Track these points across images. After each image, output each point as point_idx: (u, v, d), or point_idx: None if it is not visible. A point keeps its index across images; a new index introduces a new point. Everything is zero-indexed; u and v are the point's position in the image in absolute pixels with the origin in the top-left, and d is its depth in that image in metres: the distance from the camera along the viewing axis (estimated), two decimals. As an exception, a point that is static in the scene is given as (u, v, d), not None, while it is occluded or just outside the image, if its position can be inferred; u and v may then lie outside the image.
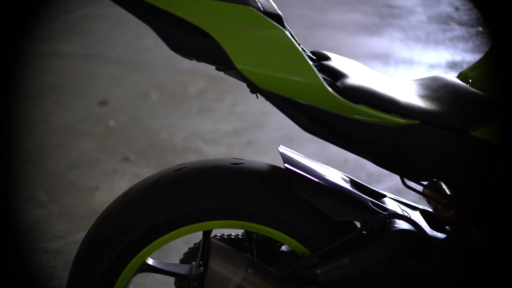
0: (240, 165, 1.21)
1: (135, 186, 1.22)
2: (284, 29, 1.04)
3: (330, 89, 1.03)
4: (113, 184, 2.66)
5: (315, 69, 1.03)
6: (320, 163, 1.27)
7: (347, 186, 1.21)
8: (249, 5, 1.02)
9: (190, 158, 2.93)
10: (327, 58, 1.17)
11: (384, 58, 4.56)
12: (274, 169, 1.23)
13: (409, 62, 4.47)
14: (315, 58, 1.19)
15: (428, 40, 5.00)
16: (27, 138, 3.09)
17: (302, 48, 1.18)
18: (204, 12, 1.01)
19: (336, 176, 1.23)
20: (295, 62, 1.03)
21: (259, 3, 1.05)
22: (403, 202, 1.29)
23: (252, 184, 1.18)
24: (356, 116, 1.05)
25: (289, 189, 1.14)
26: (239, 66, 1.00)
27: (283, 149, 1.24)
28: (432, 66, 4.36)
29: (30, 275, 1.95)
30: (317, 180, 1.16)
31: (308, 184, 1.15)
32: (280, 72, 1.02)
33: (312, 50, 1.23)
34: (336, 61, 1.16)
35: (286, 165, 1.15)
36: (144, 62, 4.34)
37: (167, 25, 1.02)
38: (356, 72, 1.14)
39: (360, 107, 1.05)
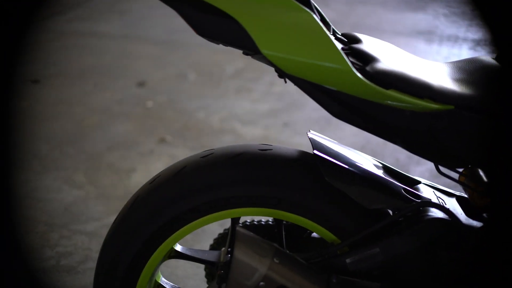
0: (268, 151, 1.18)
1: (162, 172, 1.21)
2: (312, 12, 0.99)
3: (358, 74, 0.99)
4: (149, 166, 2.67)
5: (343, 53, 0.99)
6: (351, 149, 1.22)
7: (379, 172, 1.16)
8: None
9: (226, 140, 2.91)
10: (358, 40, 1.12)
11: (427, 35, 4.42)
12: (303, 155, 1.19)
13: (454, 39, 4.32)
14: (346, 40, 1.14)
15: (475, 16, 4.81)
16: (66, 119, 3.13)
17: (333, 30, 1.14)
18: None
19: (367, 162, 1.19)
20: (322, 46, 0.99)
21: None
22: (438, 188, 1.24)
23: (280, 171, 1.15)
24: (387, 102, 1.01)
25: (318, 175, 1.11)
26: (264, 51, 0.97)
27: (313, 134, 1.20)
28: (477, 43, 4.20)
29: (65, 256, 1.98)
30: (347, 167, 1.12)
31: (337, 171, 1.11)
32: (306, 57, 0.98)
33: (344, 32, 1.18)
34: (368, 44, 1.11)
35: (315, 151, 1.12)
36: (182, 42, 4.32)
37: (192, 8, 1.00)
38: (388, 55, 1.09)
39: (391, 92, 1.00)
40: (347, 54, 1.04)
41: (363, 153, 1.25)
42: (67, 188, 2.48)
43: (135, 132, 3.03)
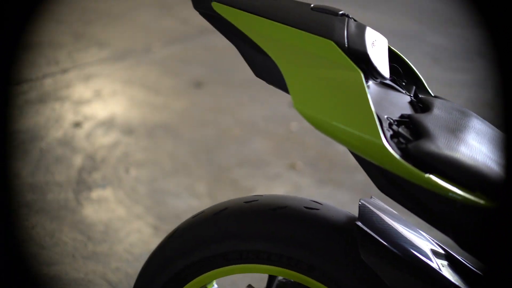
0: (314, 210, 1.08)
1: (207, 209, 1.18)
2: (361, 72, 0.87)
3: (391, 151, 0.84)
4: (270, 190, 2.63)
5: (378, 125, 0.85)
6: (412, 227, 1.05)
7: (434, 261, 0.98)
8: (332, 37, 0.89)
9: (358, 178, 2.75)
10: (431, 108, 0.97)
11: None
12: (350, 222, 1.06)
13: None
14: (419, 106, 1.01)
15: None
16: (212, 127, 3.23)
17: (415, 92, 1.03)
18: (281, 39, 0.92)
19: (424, 245, 1.01)
20: (359, 113, 0.86)
21: (347, 35, 0.90)
22: None
23: (319, 236, 1.04)
24: (430, 187, 0.84)
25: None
26: (297, 106, 0.89)
27: (365, 201, 1.06)
28: None
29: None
30: (390, 246, 0.96)
31: (377, 249, 0.97)
32: (338, 122, 0.87)
33: (423, 96, 1.04)
34: (436, 114, 0.96)
35: (358, 222, 0.99)
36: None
37: (250, 49, 0.96)
38: (451, 130, 0.92)
39: (431, 178, 0.83)
40: (401, 124, 0.91)
41: (426, 234, 1.08)
42: (186, 195, 2.54)
43: (270, 152, 3.01)
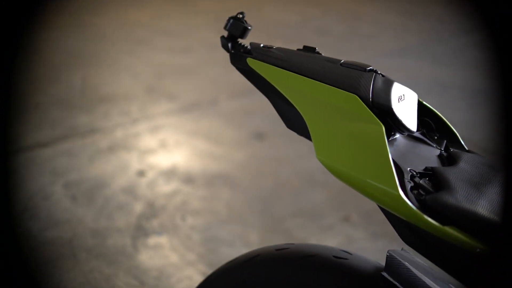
0: (342, 260, 1.10)
1: (240, 256, 1.23)
2: (383, 125, 0.91)
3: (408, 202, 0.86)
4: (322, 241, 2.63)
5: (396, 176, 0.87)
6: (443, 280, 1.04)
7: None
8: (357, 91, 0.94)
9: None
10: (457, 160, 0.99)
11: None
12: (379, 271, 1.07)
13: None
14: (445, 158, 1.03)
15: None
16: (273, 177, 3.28)
17: (446, 145, 1.05)
18: (308, 93, 0.98)
19: None
20: (377, 163, 0.90)
21: (373, 89, 0.94)
22: None
23: (345, 285, 1.06)
24: (450, 240, 0.85)
25: None
26: (319, 157, 0.95)
27: (394, 252, 1.06)
28: None
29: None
30: None
31: None
32: (358, 173, 0.91)
33: (455, 149, 1.05)
34: (461, 167, 0.96)
35: (383, 273, 1.01)
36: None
37: (281, 102, 1.04)
38: (474, 183, 0.92)
39: (449, 230, 0.84)
40: (423, 177, 0.92)
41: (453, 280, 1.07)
42: (238, 244, 2.59)
43: (326, 204, 3.01)
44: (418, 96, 1.00)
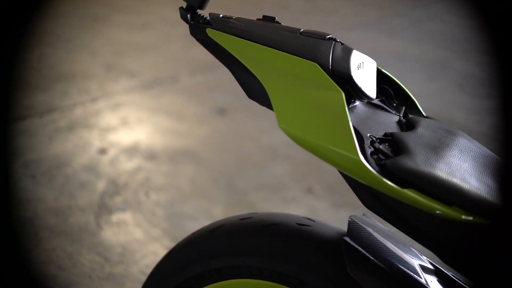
0: (305, 226, 1.12)
1: (205, 227, 1.23)
2: (342, 92, 0.92)
3: (368, 166, 0.88)
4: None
5: (356, 142, 0.89)
6: (403, 244, 1.08)
7: (423, 277, 1.00)
8: (317, 60, 0.95)
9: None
10: (416, 126, 1.01)
11: None
12: (342, 237, 1.09)
13: None
14: (406, 125, 1.05)
15: None
16: (234, 153, 3.29)
17: (404, 111, 1.06)
18: (268, 62, 0.98)
19: (412, 262, 1.03)
20: (338, 130, 0.91)
21: (332, 57, 0.95)
22: None
23: (309, 251, 1.08)
24: (409, 202, 0.88)
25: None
26: (281, 125, 0.94)
27: (355, 218, 1.09)
28: None
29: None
30: (377, 262, 0.99)
31: (364, 264, 1.00)
32: (320, 140, 0.92)
33: (413, 115, 1.08)
34: (419, 133, 0.99)
35: (346, 238, 1.02)
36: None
37: (241, 72, 1.03)
38: (432, 148, 0.95)
39: (407, 192, 0.86)
40: (382, 142, 0.95)
41: (416, 250, 1.10)
42: (202, 218, 2.60)
43: (289, 177, 3.05)
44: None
